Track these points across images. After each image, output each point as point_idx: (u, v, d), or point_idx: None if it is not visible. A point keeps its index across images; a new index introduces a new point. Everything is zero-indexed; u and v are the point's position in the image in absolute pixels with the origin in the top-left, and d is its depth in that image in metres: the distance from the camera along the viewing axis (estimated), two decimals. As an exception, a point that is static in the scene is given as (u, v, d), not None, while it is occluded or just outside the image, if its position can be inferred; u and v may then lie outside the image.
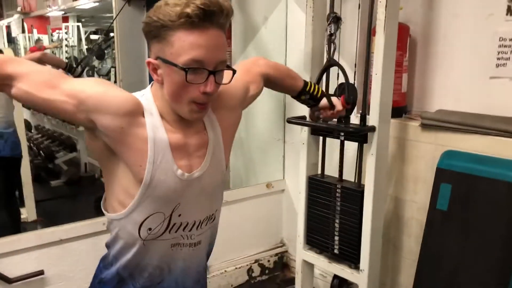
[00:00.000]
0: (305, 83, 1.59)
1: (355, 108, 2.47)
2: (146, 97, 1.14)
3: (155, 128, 1.11)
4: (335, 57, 2.18)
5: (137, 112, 1.09)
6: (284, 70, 1.57)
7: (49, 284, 2.25)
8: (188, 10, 0.99)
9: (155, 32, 1.05)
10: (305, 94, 1.58)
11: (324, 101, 1.61)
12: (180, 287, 1.28)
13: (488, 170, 1.90)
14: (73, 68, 3.30)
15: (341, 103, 1.60)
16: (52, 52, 7.73)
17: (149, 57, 1.11)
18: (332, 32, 1.95)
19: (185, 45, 1.02)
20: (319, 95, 1.60)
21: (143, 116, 1.10)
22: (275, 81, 1.50)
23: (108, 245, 1.26)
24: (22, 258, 2.17)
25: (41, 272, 2.20)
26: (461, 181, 1.97)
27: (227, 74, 1.14)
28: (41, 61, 3.36)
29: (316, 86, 1.61)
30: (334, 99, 1.61)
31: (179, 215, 1.18)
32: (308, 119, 1.67)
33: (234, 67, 1.22)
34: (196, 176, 1.17)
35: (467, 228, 1.95)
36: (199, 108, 1.09)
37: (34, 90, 1.04)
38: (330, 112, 1.61)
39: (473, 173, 1.94)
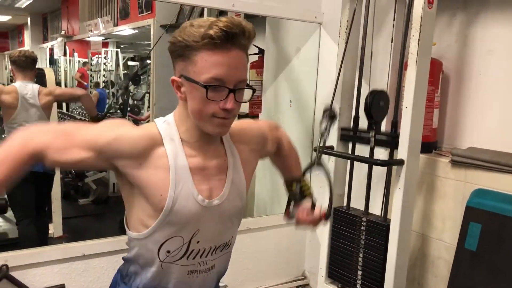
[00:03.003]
0: (303, 176, 1.56)
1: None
2: (168, 122, 1.17)
3: (176, 155, 1.14)
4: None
5: (152, 145, 1.13)
6: (294, 152, 1.56)
7: (69, 299, 2.27)
8: (211, 32, 1.04)
9: (180, 52, 1.09)
10: (297, 185, 1.52)
11: (307, 203, 1.50)
12: None
13: (520, 211, 1.84)
14: (100, 117, 3.51)
15: (321, 215, 1.45)
16: (90, 75, 8.04)
17: (174, 75, 1.16)
18: (325, 128, 1.74)
19: (207, 64, 1.06)
20: (307, 194, 1.52)
21: (162, 145, 1.14)
22: (283, 154, 1.51)
23: (127, 260, 1.27)
24: (45, 270, 2.19)
25: (62, 286, 2.22)
26: (492, 221, 1.91)
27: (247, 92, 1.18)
28: (79, 98, 3.54)
29: (309, 186, 1.54)
30: (316, 207, 1.49)
31: (198, 242, 1.19)
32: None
33: (260, 120, 1.27)
34: (216, 203, 1.19)
35: (497, 271, 1.87)
36: (221, 121, 1.12)
37: (59, 157, 1.10)
38: (306, 216, 1.47)
39: (505, 214, 1.88)
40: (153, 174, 1.12)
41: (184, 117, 1.17)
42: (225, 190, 1.21)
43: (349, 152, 2.35)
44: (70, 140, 1.11)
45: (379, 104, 2.15)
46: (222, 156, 1.22)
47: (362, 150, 2.33)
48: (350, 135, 2.31)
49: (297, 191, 1.52)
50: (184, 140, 1.16)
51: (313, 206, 1.48)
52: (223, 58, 1.06)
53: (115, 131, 1.12)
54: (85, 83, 7.86)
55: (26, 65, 3.19)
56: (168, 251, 1.17)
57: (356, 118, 2.32)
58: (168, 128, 1.16)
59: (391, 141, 2.11)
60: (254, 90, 1.20)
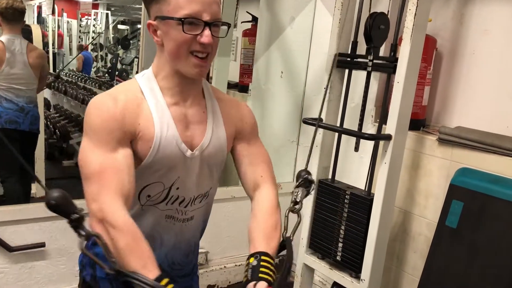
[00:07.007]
0: (265, 254, 1.18)
1: (373, 117, 2.45)
2: (147, 75, 1.21)
3: (158, 104, 1.18)
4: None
5: (135, 107, 1.15)
6: (275, 207, 1.32)
7: (49, 258, 2.26)
8: None
9: None
10: (255, 258, 1.17)
11: (260, 285, 1.11)
12: (169, 261, 1.32)
13: (503, 191, 1.85)
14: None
15: None
16: (79, 37, 7.87)
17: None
18: (298, 200, 1.37)
19: (180, 1, 1.09)
20: (260, 274, 1.12)
21: (144, 98, 1.17)
22: (257, 201, 1.36)
23: None
24: (26, 228, 2.18)
25: (42, 245, 2.21)
26: (474, 200, 1.93)
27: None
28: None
29: (269, 266, 1.15)
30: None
31: (177, 188, 1.23)
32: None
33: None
34: (197, 153, 1.22)
35: (476, 248, 1.90)
36: (199, 62, 1.14)
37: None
38: None
39: (487, 193, 1.90)
40: (143, 129, 1.15)
41: (161, 64, 1.19)
42: (205, 140, 1.24)
43: (344, 85, 2.30)
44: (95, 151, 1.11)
45: (379, 27, 2.10)
46: (201, 107, 1.25)
47: (351, 123, 2.32)
48: (347, 60, 2.26)
49: (251, 266, 1.14)
50: (163, 88, 1.19)
51: None
52: None
53: (97, 117, 1.12)
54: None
55: (14, 18, 3.09)
56: (149, 196, 1.22)
57: (354, 43, 2.26)
58: (147, 81, 1.20)
59: (389, 65, 2.07)
60: (229, 25, 1.22)
